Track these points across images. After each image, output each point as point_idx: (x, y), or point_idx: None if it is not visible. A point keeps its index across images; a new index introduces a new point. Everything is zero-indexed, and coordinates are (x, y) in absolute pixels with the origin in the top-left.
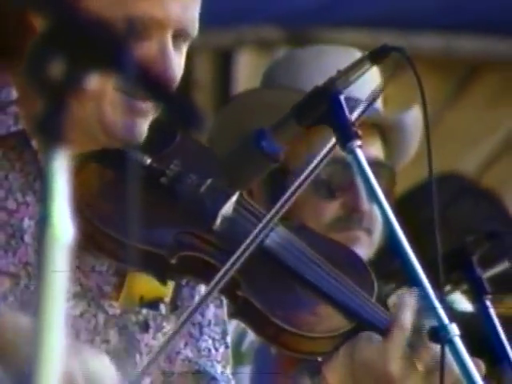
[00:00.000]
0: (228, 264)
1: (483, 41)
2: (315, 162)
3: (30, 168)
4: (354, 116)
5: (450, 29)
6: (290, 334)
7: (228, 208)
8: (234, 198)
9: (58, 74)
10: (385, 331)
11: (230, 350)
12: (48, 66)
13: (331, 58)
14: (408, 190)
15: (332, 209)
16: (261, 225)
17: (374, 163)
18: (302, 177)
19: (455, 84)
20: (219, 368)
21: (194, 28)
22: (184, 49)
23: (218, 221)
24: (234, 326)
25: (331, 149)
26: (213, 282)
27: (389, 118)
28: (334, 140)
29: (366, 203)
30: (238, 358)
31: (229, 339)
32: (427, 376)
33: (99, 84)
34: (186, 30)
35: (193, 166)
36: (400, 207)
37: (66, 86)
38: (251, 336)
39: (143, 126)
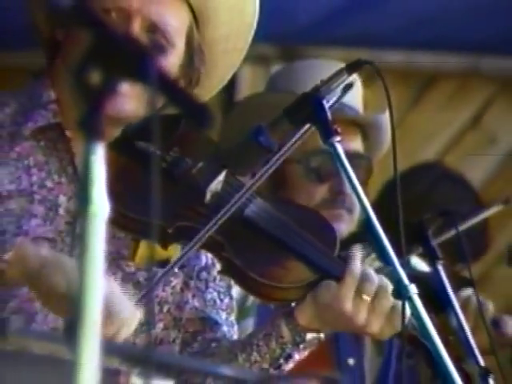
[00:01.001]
0: (208, 225)
1: (438, 56)
2: (287, 146)
3: (63, 155)
4: (329, 104)
5: (410, 46)
6: (265, 285)
7: (216, 185)
8: (221, 178)
9: (96, 81)
10: (340, 278)
11: (234, 301)
12: (89, 74)
13: (319, 68)
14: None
15: (321, 191)
16: (237, 196)
17: (354, 155)
18: (275, 157)
19: (415, 91)
20: (224, 315)
21: None
22: None
23: (208, 196)
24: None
25: (301, 136)
26: (194, 240)
27: (367, 118)
28: (304, 129)
29: (348, 187)
30: (243, 312)
31: (233, 292)
32: (371, 302)
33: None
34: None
35: (189, 151)
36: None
37: (103, 90)
38: None
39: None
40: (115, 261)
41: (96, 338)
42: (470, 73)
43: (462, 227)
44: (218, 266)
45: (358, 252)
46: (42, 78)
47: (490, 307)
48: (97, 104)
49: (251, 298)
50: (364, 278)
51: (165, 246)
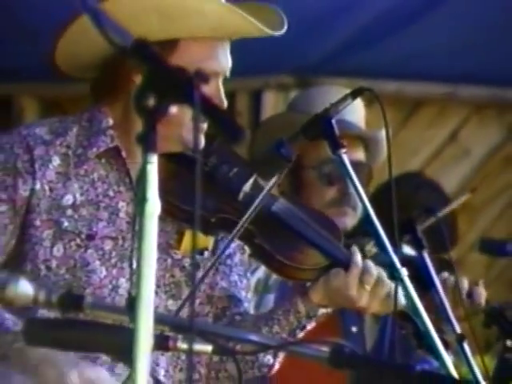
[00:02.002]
0: (244, 218)
1: (422, 85)
2: (265, 191)
3: (121, 169)
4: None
5: (400, 77)
6: (288, 266)
7: (247, 186)
8: (251, 181)
9: (152, 105)
10: (347, 267)
11: (249, 281)
12: (147, 99)
13: (329, 94)
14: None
15: (330, 193)
16: (260, 197)
17: (357, 163)
18: (258, 200)
19: (405, 113)
20: (243, 293)
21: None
22: None
23: (241, 194)
24: (263, 268)
25: (273, 184)
26: (235, 230)
27: (368, 134)
28: (274, 179)
29: (352, 189)
30: (266, 289)
31: (248, 274)
32: (371, 290)
33: (180, 115)
34: (226, 74)
35: (224, 160)
36: (378, 194)
37: (157, 113)
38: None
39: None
40: (165, 249)
41: (150, 312)
42: (448, 98)
43: (440, 215)
44: (239, 254)
45: (358, 249)
46: (100, 106)
47: (466, 283)
48: (152, 123)
49: (273, 278)
50: (366, 271)
51: (206, 234)
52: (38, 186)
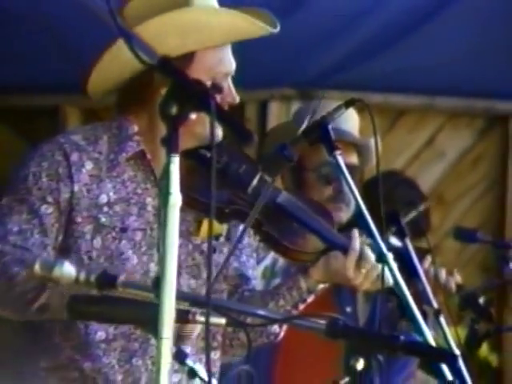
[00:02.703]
0: (254, 209)
1: (404, 97)
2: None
3: (146, 169)
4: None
5: (387, 90)
6: (292, 250)
7: (255, 182)
8: (258, 177)
9: (174, 113)
10: (345, 251)
11: (255, 261)
12: (170, 107)
13: (327, 105)
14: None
15: (327, 191)
16: (266, 189)
17: (351, 166)
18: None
19: (390, 121)
20: (251, 271)
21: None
22: None
23: (250, 188)
24: (271, 255)
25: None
26: (248, 219)
27: (361, 141)
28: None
29: (346, 188)
30: (272, 274)
31: (255, 255)
32: (365, 273)
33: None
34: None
35: (234, 158)
36: (366, 189)
37: (178, 119)
38: (281, 261)
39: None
40: (186, 236)
41: (172, 290)
42: (426, 108)
43: (420, 210)
44: (246, 238)
45: (356, 233)
46: (126, 115)
47: (443, 273)
48: (174, 128)
49: (278, 265)
50: (363, 257)
51: (221, 222)
52: (76, 188)
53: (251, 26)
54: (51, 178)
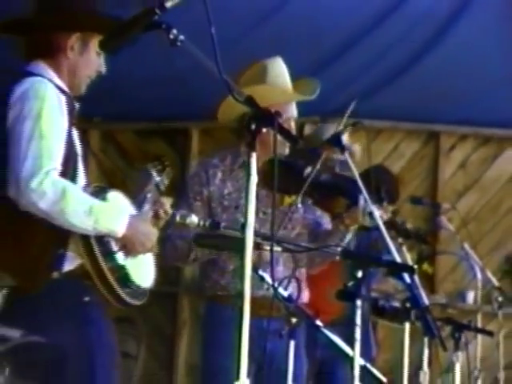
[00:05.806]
0: (306, 184)
1: (378, 122)
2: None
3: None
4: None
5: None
6: (331, 207)
7: (307, 170)
8: (309, 168)
9: (253, 127)
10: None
11: (322, 213)
12: (251, 124)
13: (333, 126)
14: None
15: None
16: (309, 176)
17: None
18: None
19: (371, 137)
20: (320, 219)
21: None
22: None
23: (305, 173)
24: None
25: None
26: (301, 191)
27: (351, 148)
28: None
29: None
30: None
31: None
32: (364, 219)
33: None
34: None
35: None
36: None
37: (255, 132)
38: None
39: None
40: (265, 208)
41: (251, 231)
42: (394, 129)
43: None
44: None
45: (362, 201)
46: (239, 143)
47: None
48: (253, 137)
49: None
50: (364, 211)
51: (290, 195)
52: (212, 189)
53: (296, 96)
54: (201, 185)
